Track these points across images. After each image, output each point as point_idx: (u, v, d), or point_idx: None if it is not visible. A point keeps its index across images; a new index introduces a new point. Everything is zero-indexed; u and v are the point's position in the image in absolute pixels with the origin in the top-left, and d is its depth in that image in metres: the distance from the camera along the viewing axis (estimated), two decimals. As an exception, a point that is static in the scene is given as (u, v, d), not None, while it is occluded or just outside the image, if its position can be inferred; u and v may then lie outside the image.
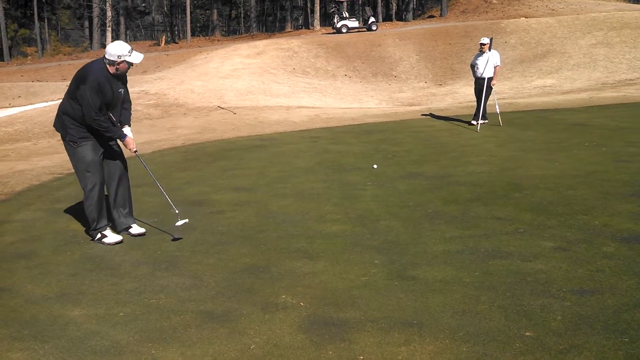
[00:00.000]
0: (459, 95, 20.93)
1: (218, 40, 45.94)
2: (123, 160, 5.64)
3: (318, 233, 5.59)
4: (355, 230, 5.63)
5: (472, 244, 5.07)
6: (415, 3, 57.22)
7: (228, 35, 57.23)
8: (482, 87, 12.14)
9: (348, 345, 3.47)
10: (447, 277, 4.38)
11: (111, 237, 5.48)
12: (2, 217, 6.61)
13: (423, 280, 4.36)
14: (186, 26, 47.98)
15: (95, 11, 47.75)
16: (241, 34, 57.74)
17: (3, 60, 43.62)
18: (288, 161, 9.35)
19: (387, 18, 51.85)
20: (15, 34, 52.27)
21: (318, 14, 44.89)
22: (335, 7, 42.75)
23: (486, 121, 12.20)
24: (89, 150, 5.31)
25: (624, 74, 22.08)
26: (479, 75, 12.24)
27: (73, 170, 9.28)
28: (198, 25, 67.77)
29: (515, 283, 4.23)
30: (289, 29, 52.70)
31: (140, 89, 18.81)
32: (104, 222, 5.51)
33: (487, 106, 12.24)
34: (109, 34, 47.42)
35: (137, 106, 16.03)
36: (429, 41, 29.28)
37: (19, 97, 21.22)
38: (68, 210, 6.76)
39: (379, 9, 51.60)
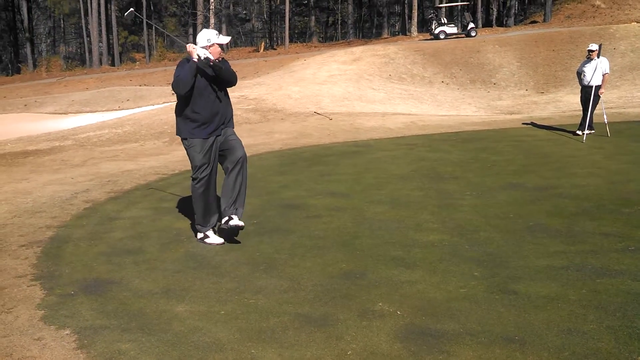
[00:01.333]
0: (562, 104, 20.09)
1: (315, 47, 46.56)
2: (242, 150, 5.56)
3: (415, 242, 5.52)
4: (453, 241, 5.52)
5: (579, 260, 4.84)
6: (517, 8, 55.48)
7: (325, 42, 57.89)
8: (589, 95, 11.60)
9: (446, 357, 3.40)
10: (551, 294, 4.20)
11: (212, 238, 5.65)
12: (113, 213, 7.00)
13: (525, 295, 4.20)
14: (284, 33, 49.00)
15: (199, 19, 49.67)
16: (338, 40, 58.25)
17: (114, 65, 46.34)
18: (384, 168, 9.32)
19: (487, 24, 50.62)
20: (125, 40, 55.43)
21: (415, 19, 44.50)
22: (433, 12, 42.26)
23: (593, 131, 11.63)
24: (196, 151, 5.45)
25: None
26: (586, 83, 11.70)
27: (177, 171, 9.74)
28: (296, 32, 68.98)
29: (626, 303, 3.99)
30: (385, 35, 52.60)
31: (240, 94, 19.38)
32: (208, 222, 5.68)
33: (594, 116, 11.68)
34: (211, 41, 49.15)
35: (237, 111, 16.53)
36: (530, 47, 28.32)
37: (128, 100, 22.46)
38: (172, 210, 7.06)
39: (479, 14, 50.48)
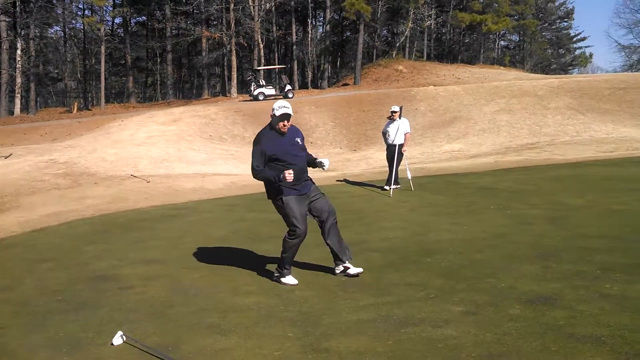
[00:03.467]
0: (372, 161, 21.50)
1: (133, 107, 45.45)
2: (328, 204, 6.33)
3: (231, 306, 5.46)
4: (269, 302, 5.55)
5: (385, 312, 5.10)
6: (330, 72, 59.10)
7: (144, 102, 56.77)
8: (393, 153, 12.53)
9: None
10: (361, 348, 4.36)
11: (288, 279, 6.11)
12: None
13: (336, 352, 4.32)
14: (100, 93, 47.30)
15: (4, 77, 46.24)
16: (157, 100, 57.41)
17: None
18: (203, 230, 9.20)
19: (303, 86, 53.18)
20: None
21: (235, 81, 45.48)
22: (252, 75, 43.51)
23: (398, 186, 12.54)
24: (293, 205, 6.06)
25: (525, 139, 23.50)
26: (390, 142, 12.64)
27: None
28: (113, 92, 66.94)
29: (426, 350, 4.26)
30: (206, 96, 52.90)
31: (49, 158, 18.19)
32: (290, 266, 6.16)
33: (399, 171, 12.61)
34: (17, 101, 46.00)
35: (45, 176, 15.49)
36: (343, 108, 30.17)
37: None
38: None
39: (295, 77, 52.93)
